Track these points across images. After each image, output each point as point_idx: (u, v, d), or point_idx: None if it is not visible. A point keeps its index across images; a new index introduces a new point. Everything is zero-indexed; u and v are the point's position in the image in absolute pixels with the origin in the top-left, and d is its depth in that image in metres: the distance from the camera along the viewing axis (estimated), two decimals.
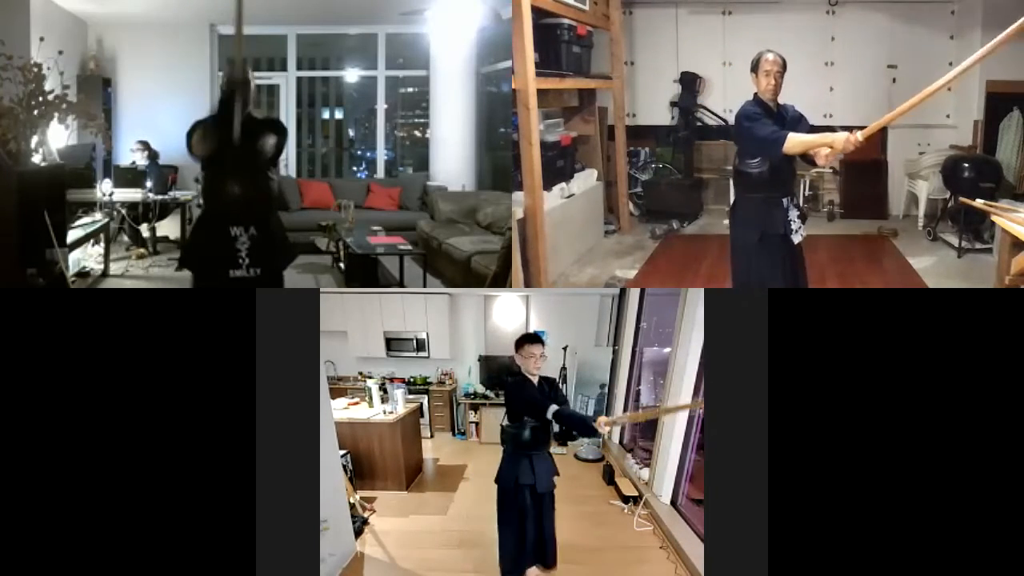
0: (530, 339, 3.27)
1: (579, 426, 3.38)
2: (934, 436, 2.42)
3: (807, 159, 3.29)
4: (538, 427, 3.19)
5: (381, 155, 9.40)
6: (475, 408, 6.96)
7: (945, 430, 2.42)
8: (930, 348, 2.44)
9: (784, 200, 3.39)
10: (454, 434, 7.14)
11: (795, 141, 3.20)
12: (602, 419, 3.13)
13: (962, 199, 4.78)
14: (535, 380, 3.24)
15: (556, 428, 3.30)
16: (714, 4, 6.84)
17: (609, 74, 6.29)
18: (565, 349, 6.78)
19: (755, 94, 3.40)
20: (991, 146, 5.97)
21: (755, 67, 3.43)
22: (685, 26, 6.93)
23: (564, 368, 6.76)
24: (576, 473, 5.67)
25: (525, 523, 3.20)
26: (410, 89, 9.53)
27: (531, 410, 3.16)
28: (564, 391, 6.69)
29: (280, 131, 3.56)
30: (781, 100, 3.48)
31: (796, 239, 3.42)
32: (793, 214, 3.40)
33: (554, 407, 3.10)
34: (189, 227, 7.05)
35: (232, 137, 3.18)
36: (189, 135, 3.34)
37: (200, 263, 3.43)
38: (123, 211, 6.66)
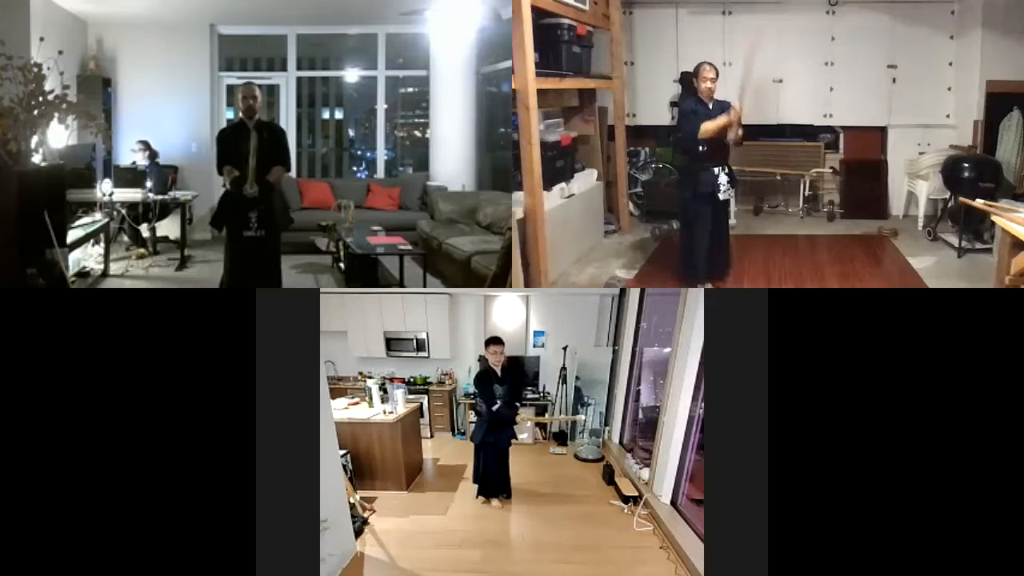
0: (493, 341, 4.77)
1: (506, 420, 4.71)
2: (934, 436, 2.42)
3: (726, 141, 4.45)
4: (501, 407, 4.60)
5: (381, 155, 9.39)
6: (473, 407, 6.95)
7: (945, 430, 2.42)
8: (930, 348, 2.44)
9: (716, 168, 4.46)
10: (454, 434, 7.14)
11: (704, 128, 4.37)
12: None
13: (962, 199, 4.78)
14: (498, 371, 4.67)
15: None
16: (714, 4, 6.84)
17: (609, 74, 6.29)
18: (565, 349, 6.79)
19: (695, 92, 4.55)
20: (991, 146, 5.96)
21: (696, 74, 4.55)
22: (685, 26, 6.93)
23: (564, 368, 6.77)
24: (576, 473, 5.68)
25: (488, 467, 4.71)
26: (410, 89, 9.51)
27: (487, 401, 4.64)
28: (564, 391, 6.74)
29: (280, 132, 4.81)
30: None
31: (722, 197, 4.53)
32: (723, 179, 4.48)
33: (497, 403, 4.61)
34: (189, 227, 7.05)
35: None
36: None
37: (225, 225, 4.67)
38: (123, 211, 6.65)
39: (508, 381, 4.70)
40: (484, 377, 4.72)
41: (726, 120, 4.37)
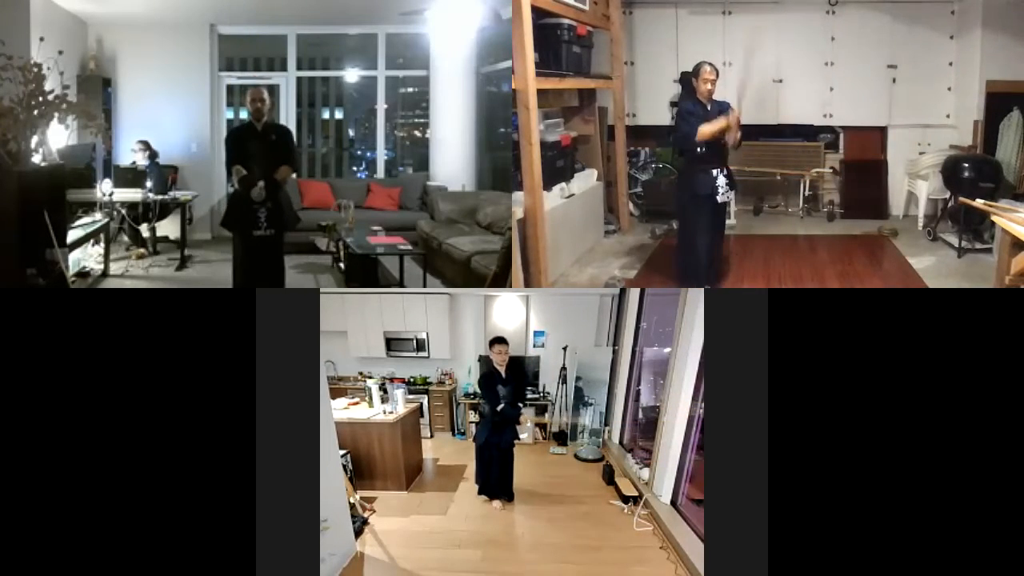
0: (497, 340, 4.81)
1: (510, 420, 4.77)
2: (934, 436, 2.42)
3: (724, 143, 4.42)
4: (506, 407, 4.67)
5: (381, 155, 9.39)
6: (475, 408, 6.95)
7: (945, 430, 2.42)
8: (930, 348, 2.44)
9: (714, 170, 4.42)
10: (454, 434, 7.14)
11: (702, 131, 4.29)
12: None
13: (962, 199, 4.78)
14: (503, 370, 4.73)
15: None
16: (714, 4, 6.84)
17: (609, 74, 6.29)
18: (565, 349, 6.79)
19: (695, 92, 4.46)
20: (991, 146, 5.96)
21: (695, 74, 4.47)
22: (685, 26, 6.93)
23: (564, 368, 6.77)
24: (576, 473, 5.68)
25: (491, 468, 4.75)
26: (410, 89, 9.51)
27: (491, 401, 4.70)
28: (564, 391, 6.74)
29: (287, 133, 5.07)
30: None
31: (720, 199, 4.47)
32: (721, 180, 4.43)
33: (502, 404, 4.67)
34: (189, 227, 7.04)
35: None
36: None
37: (235, 225, 4.84)
38: (123, 211, 6.65)
39: (512, 381, 4.76)
40: (489, 378, 4.76)
41: (724, 123, 4.33)
